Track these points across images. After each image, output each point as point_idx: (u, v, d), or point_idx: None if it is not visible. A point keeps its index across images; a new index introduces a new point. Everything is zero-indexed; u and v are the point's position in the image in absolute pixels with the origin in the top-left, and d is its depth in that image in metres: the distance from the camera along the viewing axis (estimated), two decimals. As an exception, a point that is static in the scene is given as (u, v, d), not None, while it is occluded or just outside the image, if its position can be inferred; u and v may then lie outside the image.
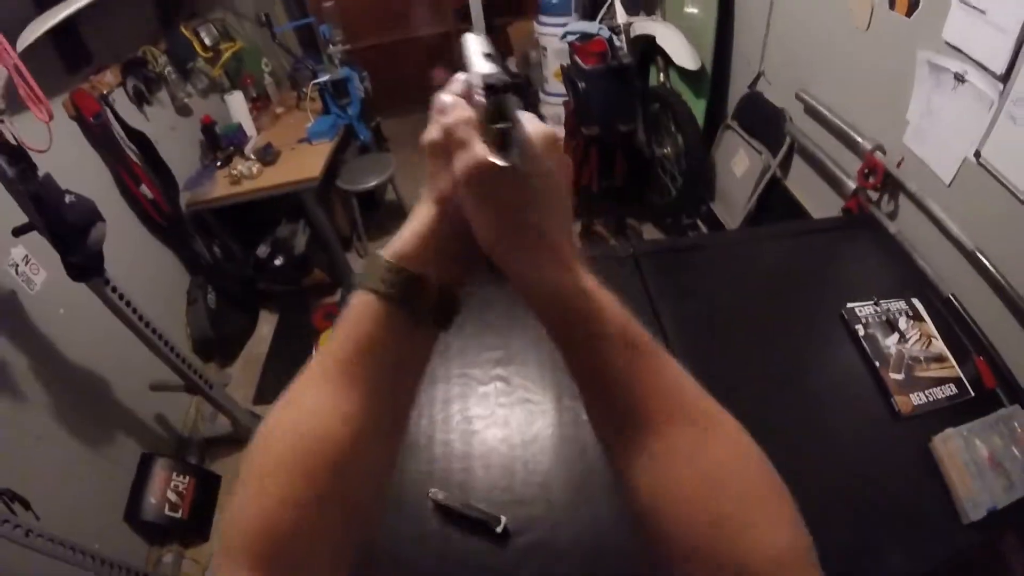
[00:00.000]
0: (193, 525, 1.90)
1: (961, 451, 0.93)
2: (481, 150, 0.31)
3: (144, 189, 2.14)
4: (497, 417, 1.03)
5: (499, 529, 0.85)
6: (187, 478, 1.92)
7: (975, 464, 0.92)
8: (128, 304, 1.58)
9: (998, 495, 0.89)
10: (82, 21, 1.86)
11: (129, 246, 2.11)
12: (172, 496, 1.87)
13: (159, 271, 2.33)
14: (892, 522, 0.89)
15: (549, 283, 0.34)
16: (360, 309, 0.36)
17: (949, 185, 1.29)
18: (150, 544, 1.89)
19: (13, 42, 1.35)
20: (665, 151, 2.54)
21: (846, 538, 0.86)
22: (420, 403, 1.05)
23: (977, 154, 1.19)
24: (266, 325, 2.69)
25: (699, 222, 2.69)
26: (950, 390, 1.03)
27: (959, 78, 1.21)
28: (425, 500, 0.90)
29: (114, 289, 1.53)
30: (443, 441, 0.99)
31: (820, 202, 1.87)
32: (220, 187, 2.45)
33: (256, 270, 2.65)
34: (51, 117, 1.35)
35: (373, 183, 2.78)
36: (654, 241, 2.56)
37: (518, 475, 0.94)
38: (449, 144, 0.33)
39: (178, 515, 1.86)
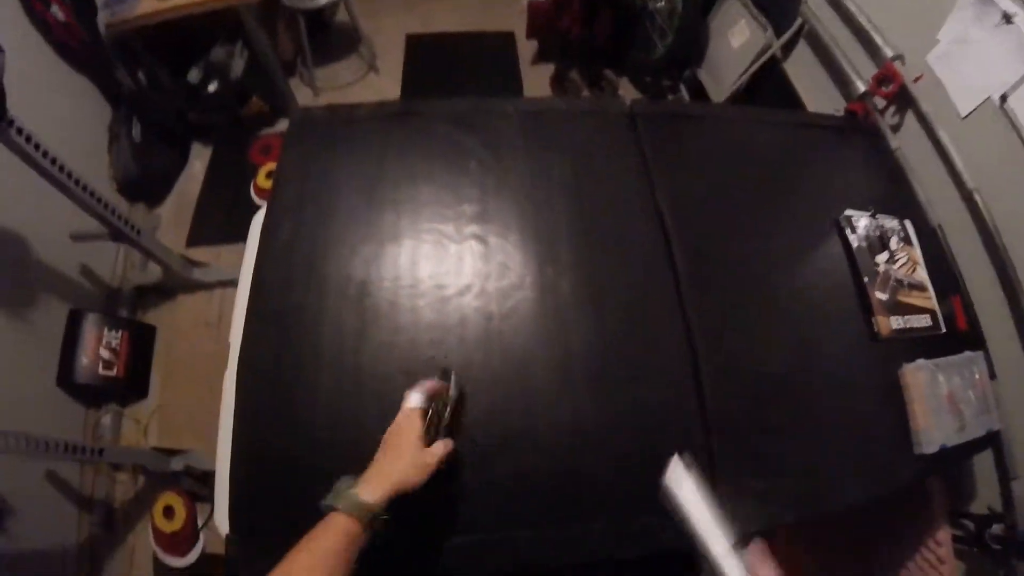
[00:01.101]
0: (130, 382, 1.83)
1: (926, 383, 0.95)
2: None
3: (55, 11, 1.77)
4: (472, 284, 0.92)
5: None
6: (120, 333, 1.81)
7: (936, 399, 0.94)
8: (38, 147, 1.34)
9: (950, 434, 0.93)
10: None
11: (39, 79, 1.79)
12: (105, 354, 1.76)
13: (75, 105, 2.00)
14: (850, 442, 0.91)
15: None
16: (345, 536, 0.59)
17: (964, 118, 1.23)
18: (87, 407, 1.81)
19: None
20: (658, 4, 2.31)
21: (805, 452, 0.89)
22: (381, 262, 0.93)
23: (1003, 98, 1.12)
24: (198, 161, 2.41)
25: (682, 86, 2.53)
26: (926, 321, 1.04)
27: (1007, 18, 1.11)
28: (393, 374, 0.83)
29: (19, 131, 1.28)
30: (410, 308, 0.89)
31: (819, 96, 1.76)
32: (145, 3, 2.02)
33: (187, 99, 2.30)
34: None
35: (323, 1, 2.40)
36: (654, 102, 2.37)
37: (495, 352, 0.86)
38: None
39: (113, 373, 1.77)
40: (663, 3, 2.27)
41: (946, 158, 1.27)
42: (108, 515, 1.82)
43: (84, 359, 1.73)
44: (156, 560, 1.66)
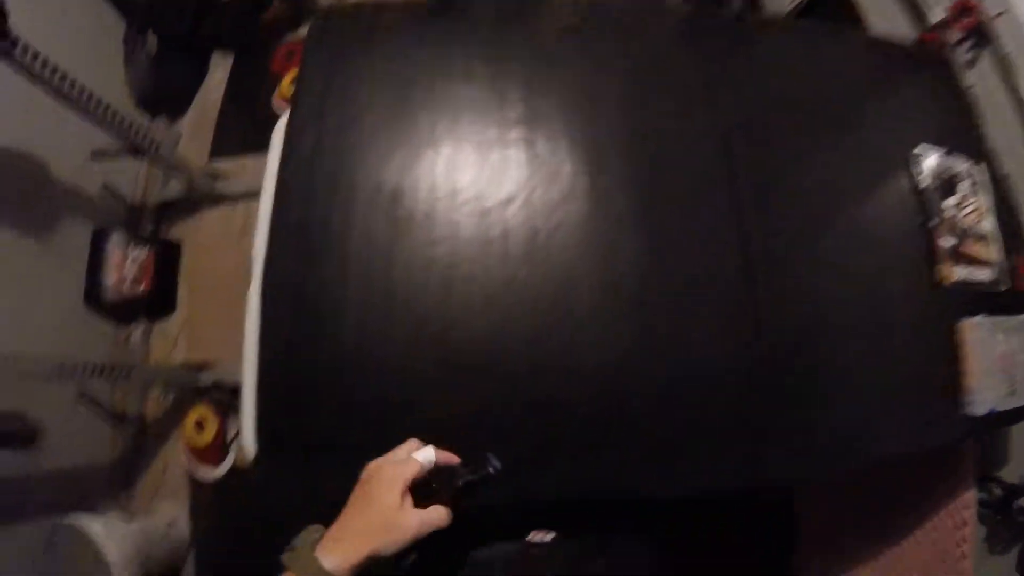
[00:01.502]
0: (157, 298, 1.84)
1: (983, 341, 0.89)
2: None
3: None
4: (516, 195, 0.84)
5: None
6: (145, 249, 1.80)
7: (989, 359, 0.89)
8: (46, 65, 1.27)
9: (1001, 397, 0.88)
10: None
11: None
12: (131, 271, 1.76)
13: (86, 21, 1.91)
14: (899, 393, 0.86)
15: None
16: None
17: None
18: (116, 324, 1.83)
19: None
20: None
21: (852, 398, 0.84)
22: (415, 169, 0.85)
23: None
24: (218, 71, 2.31)
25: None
26: (987, 275, 0.97)
27: None
28: (428, 288, 0.77)
29: (26, 49, 1.21)
30: (448, 220, 0.82)
31: (886, 23, 1.60)
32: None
33: (202, 6, 2.16)
34: None
35: None
36: (713, 10, 2.17)
37: (537, 268, 0.79)
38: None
39: (140, 290, 1.77)
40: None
41: (1022, 105, 1.15)
42: (140, 431, 1.88)
43: (110, 278, 1.73)
44: (188, 474, 1.72)
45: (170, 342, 1.86)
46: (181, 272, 1.92)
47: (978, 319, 0.91)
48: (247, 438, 0.83)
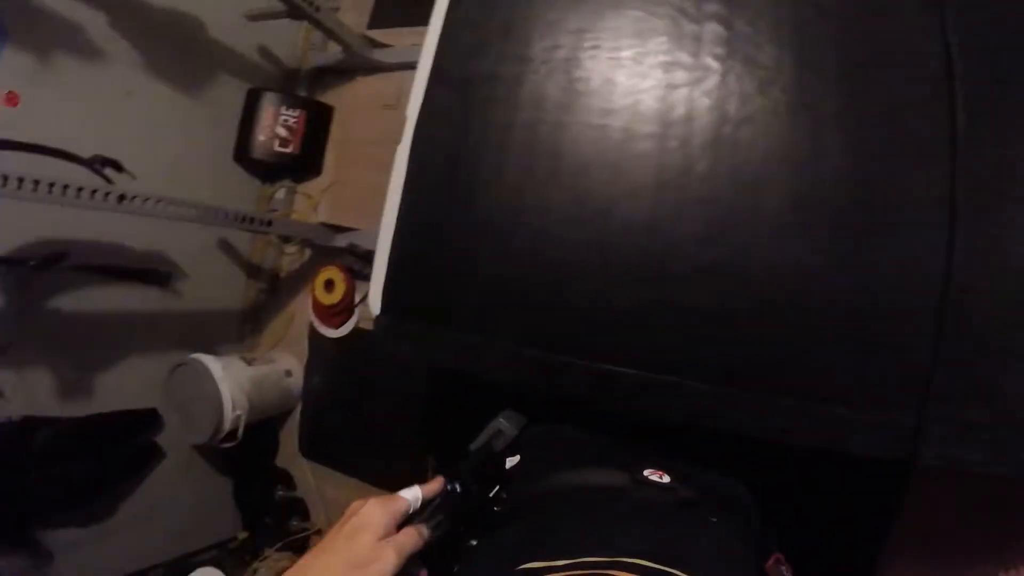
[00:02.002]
0: (305, 159, 1.90)
1: None
2: None
3: None
4: (707, 75, 0.72)
5: None
6: (297, 111, 1.85)
7: None
8: None
9: None
10: None
11: None
12: (282, 131, 1.83)
13: None
14: None
15: None
16: None
17: None
18: (262, 182, 1.95)
19: None
20: None
21: None
22: (599, 31, 0.75)
23: None
24: None
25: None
26: None
27: None
28: (597, 164, 0.69)
29: None
30: (629, 89, 0.72)
31: None
32: None
33: None
34: None
35: None
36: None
37: (723, 162, 0.69)
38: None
39: (289, 150, 1.85)
40: None
41: None
42: (273, 283, 2.05)
43: (261, 136, 1.81)
44: (312, 328, 1.87)
45: (312, 204, 1.95)
46: (331, 136, 1.97)
47: None
48: (374, 297, 0.83)
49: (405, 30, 1.87)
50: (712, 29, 0.73)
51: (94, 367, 1.54)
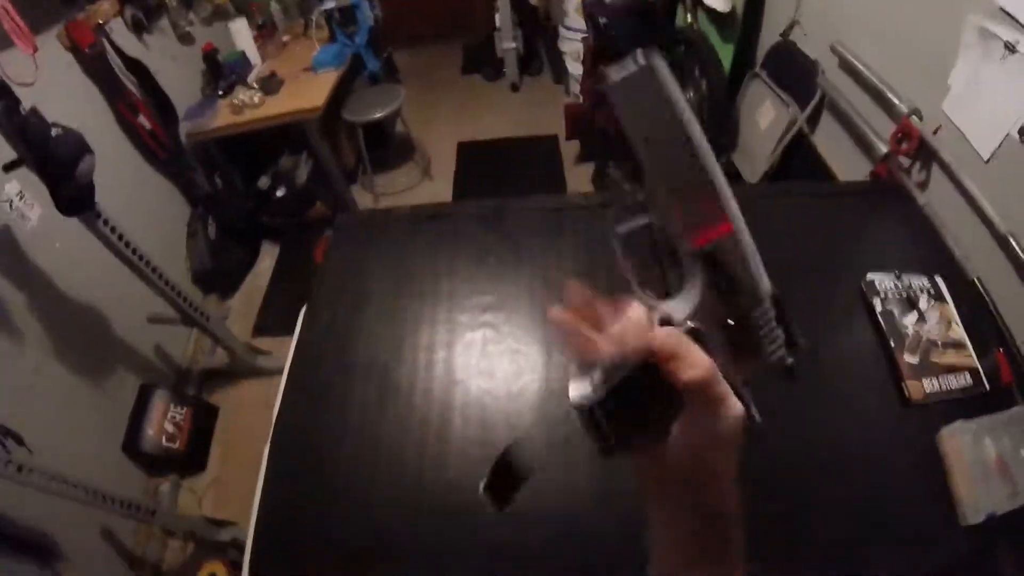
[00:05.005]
0: (190, 456, 1.94)
1: (968, 448, 0.88)
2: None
3: (142, 120, 2.08)
4: (482, 368, 0.99)
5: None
6: (185, 409, 1.95)
7: (981, 465, 0.87)
8: (121, 238, 1.55)
9: (1000, 501, 0.85)
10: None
11: (127, 178, 2.08)
12: (170, 427, 1.90)
13: (159, 203, 2.29)
14: (888, 516, 0.85)
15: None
16: None
17: (987, 161, 1.20)
18: (148, 475, 1.93)
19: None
20: (688, 96, 2.41)
21: (839, 529, 0.84)
22: (402, 347, 1.02)
23: (1021, 131, 1.09)
24: (267, 258, 2.67)
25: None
26: (965, 380, 0.98)
27: (1010, 48, 1.10)
28: (405, 446, 0.89)
29: (106, 222, 1.49)
30: (423, 390, 0.97)
31: (847, 164, 1.76)
32: (221, 117, 2.37)
33: (257, 202, 2.61)
34: (35, 50, 1.33)
35: (379, 115, 2.67)
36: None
37: (498, 431, 0.91)
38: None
39: (176, 446, 1.89)
40: (691, 94, 2.36)
41: (976, 206, 1.23)
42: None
43: (150, 430, 1.85)
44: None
45: (197, 499, 1.93)
46: (216, 434, 2.05)
47: (955, 426, 0.90)
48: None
49: (286, 339, 2.15)
50: (484, 334, 1.04)
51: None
